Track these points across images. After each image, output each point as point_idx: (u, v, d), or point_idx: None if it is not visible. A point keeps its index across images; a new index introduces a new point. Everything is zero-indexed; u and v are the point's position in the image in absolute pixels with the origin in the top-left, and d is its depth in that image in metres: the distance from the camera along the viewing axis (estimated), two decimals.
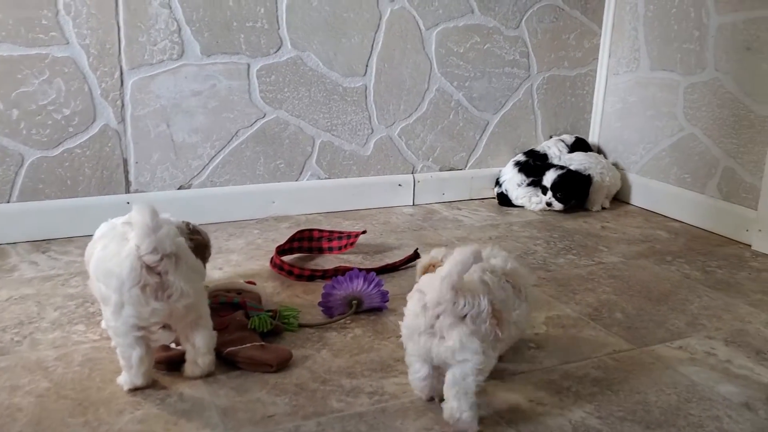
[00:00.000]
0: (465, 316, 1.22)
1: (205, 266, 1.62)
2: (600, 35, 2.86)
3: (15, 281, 1.85)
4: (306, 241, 2.11)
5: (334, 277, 1.73)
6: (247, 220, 2.40)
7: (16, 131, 2.07)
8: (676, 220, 2.58)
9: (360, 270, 1.83)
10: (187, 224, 1.59)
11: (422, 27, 2.53)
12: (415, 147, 2.64)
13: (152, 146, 2.24)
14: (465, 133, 2.71)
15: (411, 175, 2.65)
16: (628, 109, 2.80)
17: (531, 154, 2.73)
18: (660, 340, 1.64)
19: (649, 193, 2.71)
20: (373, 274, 1.73)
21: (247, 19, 2.27)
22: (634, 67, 2.76)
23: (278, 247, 2.01)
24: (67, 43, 2.07)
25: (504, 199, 2.69)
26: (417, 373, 1.31)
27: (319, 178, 2.51)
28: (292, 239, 2.07)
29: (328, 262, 2.06)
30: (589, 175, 2.63)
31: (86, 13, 2.07)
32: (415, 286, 1.31)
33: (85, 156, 2.17)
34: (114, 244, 1.38)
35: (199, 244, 1.57)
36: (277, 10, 2.30)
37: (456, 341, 1.21)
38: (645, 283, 1.97)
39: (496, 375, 1.44)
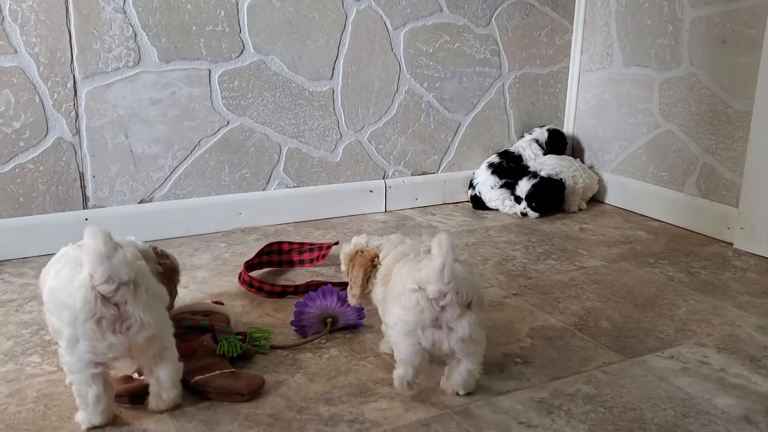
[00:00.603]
0: (469, 304, 1.28)
1: (175, 291, 1.52)
2: (571, 31, 2.80)
3: None
4: (275, 255, 2.01)
5: (306, 294, 1.63)
6: (213, 233, 2.29)
7: None
8: (655, 219, 2.53)
9: (332, 285, 1.76)
10: (155, 248, 1.48)
11: (390, 27, 2.44)
12: (385, 151, 2.55)
13: (110, 159, 2.12)
14: (436, 136, 2.63)
15: (382, 180, 2.56)
16: (602, 106, 2.75)
17: (505, 155, 2.66)
18: (650, 349, 1.57)
19: (626, 192, 2.66)
20: (345, 291, 1.64)
21: (206, 22, 2.16)
22: (607, 64, 2.71)
23: (246, 263, 1.91)
24: (15, 51, 1.94)
25: (478, 202, 2.62)
26: (412, 364, 1.30)
27: (287, 187, 2.41)
28: (260, 253, 1.97)
29: (299, 276, 1.97)
30: (561, 179, 2.56)
31: (34, 20, 1.94)
32: (405, 282, 1.31)
33: (39, 171, 2.04)
34: (66, 271, 1.27)
35: (168, 268, 1.47)
36: (238, 13, 2.19)
37: (466, 331, 1.27)
38: (629, 288, 1.91)
39: (483, 395, 1.37)
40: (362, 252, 1.52)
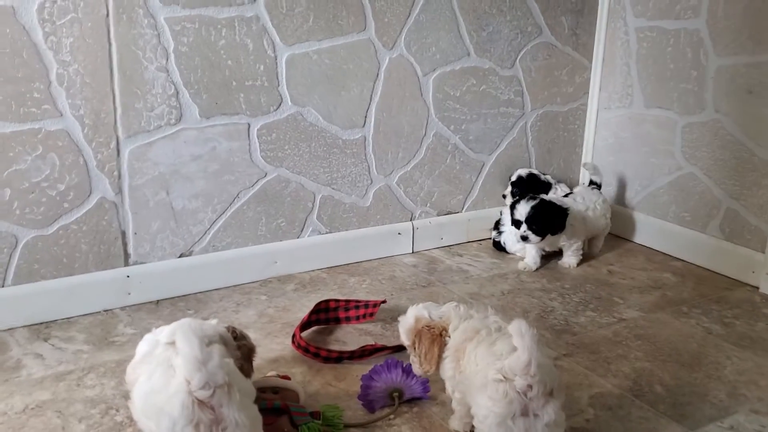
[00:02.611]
0: (552, 391, 1.33)
1: (252, 371, 1.53)
2: (590, 69, 2.85)
3: (25, 383, 1.71)
4: (323, 313, 2.03)
5: (372, 369, 1.66)
6: (250, 283, 2.30)
7: (9, 212, 1.91)
8: (678, 259, 2.60)
9: (387, 348, 1.80)
10: (233, 330, 1.49)
11: (419, 73, 2.46)
12: (413, 194, 2.58)
13: (151, 215, 2.11)
14: (461, 176, 2.67)
15: (410, 222, 2.59)
16: (621, 144, 2.81)
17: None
18: (709, 418, 1.63)
19: (647, 230, 2.73)
20: (410, 363, 1.67)
21: (246, 77, 2.15)
22: (627, 103, 2.76)
23: (300, 324, 1.92)
24: (61, 115, 1.92)
25: (500, 247, 2.64)
26: None
27: (320, 233, 2.42)
28: (311, 312, 1.99)
29: (347, 335, 1.99)
30: (565, 207, 2.44)
31: (80, 83, 1.92)
32: (484, 369, 1.36)
33: (82, 231, 2.02)
34: (159, 374, 1.28)
35: (246, 349, 1.48)
36: (276, 67, 2.19)
37: (552, 418, 1.32)
38: (672, 344, 1.97)
39: None
40: (430, 327, 1.54)
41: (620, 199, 2.83)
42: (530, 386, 1.31)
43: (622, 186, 2.82)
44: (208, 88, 2.10)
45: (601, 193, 2.64)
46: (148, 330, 1.92)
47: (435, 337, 1.53)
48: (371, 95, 2.38)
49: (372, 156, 2.45)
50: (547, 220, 2.38)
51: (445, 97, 2.54)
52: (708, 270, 2.50)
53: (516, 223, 2.40)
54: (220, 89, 2.12)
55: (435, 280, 2.37)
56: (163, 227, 2.14)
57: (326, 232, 2.43)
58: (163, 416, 1.21)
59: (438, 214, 2.65)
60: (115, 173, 2.03)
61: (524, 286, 2.34)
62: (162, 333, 1.38)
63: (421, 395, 1.66)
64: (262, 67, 2.17)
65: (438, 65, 2.49)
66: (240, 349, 1.46)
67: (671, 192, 2.64)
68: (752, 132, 2.34)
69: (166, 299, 2.17)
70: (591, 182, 2.70)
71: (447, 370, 1.52)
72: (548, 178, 2.71)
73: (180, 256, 2.19)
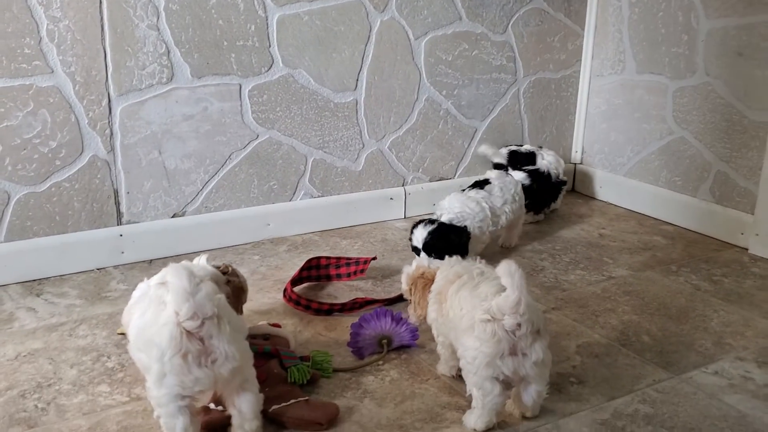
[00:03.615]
0: (538, 330, 1.35)
1: (241, 311, 1.55)
2: (583, 36, 2.85)
3: (18, 333, 1.73)
4: (314, 270, 2.04)
5: (361, 317, 1.68)
6: (243, 245, 2.31)
7: (1, 168, 1.92)
8: (669, 223, 2.62)
9: (378, 302, 1.82)
10: (227, 266, 1.51)
11: (411, 37, 2.47)
12: (405, 159, 2.59)
13: (144, 175, 2.12)
14: (453, 142, 2.68)
15: (402, 187, 2.60)
16: (614, 111, 2.82)
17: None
18: (694, 365, 1.65)
19: (639, 195, 2.74)
20: (399, 312, 1.69)
21: (237, 37, 2.16)
22: (620, 70, 2.77)
23: (291, 279, 1.94)
24: (52, 71, 1.92)
25: None
26: (494, 394, 1.36)
27: (312, 197, 2.43)
28: (302, 269, 2.00)
29: (339, 290, 2.01)
30: (464, 227, 2.08)
31: (71, 39, 1.93)
32: (468, 310, 1.38)
33: (74, 189, 2.03)
34: (151, 310, 1.30)
35: (235, 287, 1.50)
36: (267, 27, 2.19)
37: (539, 356, 1.34)
38: (660, 299, 1.99)
39: (549, 418, 1.43)
40: (424, 275, 1.57)
41: (613, 166, 2.84)
42: (519, 325, 1.32)
43: (614, 153, 2.83)
44: (200, 47, 2.11)
45: (517, 181, 2.35)
46: None
47: (427, 282, 1.56)
48: (363, 58, 2.39)
49: (364, 120, 2.45)
50: (446, 246, 1.99)
51: (437, 61, 2.54)
52: (698, 233, 2.52)
53: (414, 250, 2.07)
54: (211, 49, 2.13)
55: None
56: (156, 187, 2.15)
57: (318, 196, 2.44)
58: (153, 347, 1.22)
59: (430, 180, 2.66)
60: (107, 131, 2.04)
61: (516, 247, 2.36)
62: (153, 279, 1.40)
63: (409, 342, 1.68)
64: (253, 28, 2.17)
65: (430, 29, 2.49)
66: (230, 284, 1.48)
67: (662, 157, 2.65)
68: (742, 94, 2.35)
69: (158, 259, 2.18)
70: (496, 165, 2.61)
71: (430, 313, 1.54)
72: (528, 147, 2.69)
73: (173, 216, 2.20)
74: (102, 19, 1.96)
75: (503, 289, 1.36)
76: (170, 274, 1.26)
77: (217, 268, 1.50)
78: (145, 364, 1.27)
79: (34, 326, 1.77)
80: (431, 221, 2.06)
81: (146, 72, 2.05)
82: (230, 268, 1.53)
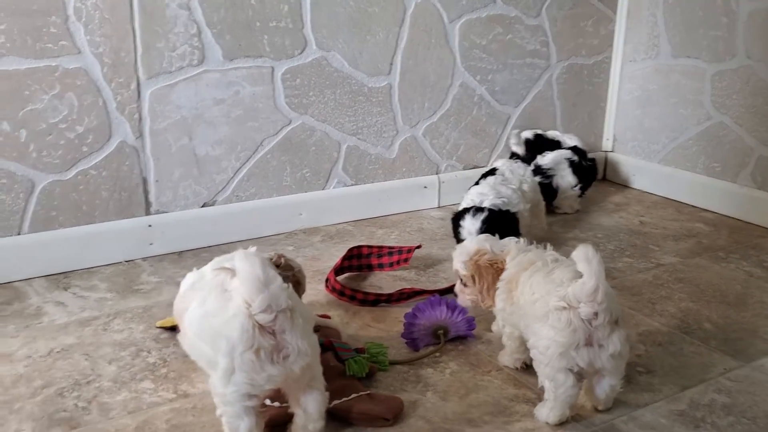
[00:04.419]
0: (617, 320, 1.25)
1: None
2: (615, 21, 2.77)
3: (48, 329, 1.64)
4: (355, 259, 1.96)
5: (415, 306, 1.59)
6: (276, 235, 2.23)
7: (25, 154, 1.83)
8: (708, 211, 2.54)
9: (428, 292, 1.74)
10: (279, 257, 1.42)
11: (446, 20, 2.38)
12: (439, 146, 2.50)
13: (173, 162, 2.03)
14: (487, 129, 2.60)
15: (436, 176, 2.52)
16: (648, 97, 2.74)
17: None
18: (763, 352, 1.57)
19: (675, 182, 2.66)
20: (454, 300, 1.60)
21: (270, 18, 2.07)
22: (654, 54, 2.69)
23: (334, 269, 1.85)
24: (79, 52, 1.83)
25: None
26: (567, 386, 1.27)
27: (345, 185, 2.35)
28: (343, 258, 1.91)
29: (382, 281, 1.92)
30: (509, 210, 1.98)
31: (99, 18, 1.84)
32: (542, 297, 1.30)
33: (101, 177, 1.94)
34: (213, 298, 1.21)
35: (293, 281, 1.40)
36: (301, 8, 2.11)
37: (617, 348, 1.26)
38: (715, 286, 1.91)
39: (623, 410, 1.36)
40: (493, 262, 1.47)
41: (647, 153, 2.77)
42: (596, 314, 1.24)
43: (648, 140, 2.76)
44: (232, 28, 2.02)
45: (526, 166, 2.26)
46: (173, 279, 1.88)
47: (498, 271, 1.46)
48: (397, 41, 2.31)
49: (398, 105, 2.37)
50: (502, 233, 1.74)
51: (472, 45, 2.46)
52: (740, 220, 2.44)
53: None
54: (243, 30, 2.04)
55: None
56: (186, 175, 2.06)
57: (352, 184, 2.36)
58: (221, 340, 1.12)
59: (464, 168, 2.58)
60: (136, 116, 1.95)
61: (557, 236, 2.28)
62: (206, 267, 1.30)
63: (466, 333, 1.60)
64: (286, 8, 2.09)
65: (464, 11, 2.41)
66: (286, 278, 1.38)
67: (700, 143, 2.58)
68: None
69: (188, 250, 2.09)
70: (513, 154, 2.56)
71: (498, 302, 1.45)
72: (555, 134, 2.64)
73: (203, 206, 2.12)
74: None
75: (579, 275, 1.28)
76: (241, 260, 1.14)
77: (270, 260, 1.40)
78: (209, 358, 1.18)
79: (65, 321, 1.68)
80: (478, 209, 1.94)
81: (176, 54, 1.96)
82: (283, 260, 1.44)
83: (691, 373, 1.49)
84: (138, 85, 1.93)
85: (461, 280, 1.54)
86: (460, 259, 1.52)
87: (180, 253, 2.08)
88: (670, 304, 1.80)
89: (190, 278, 1.33)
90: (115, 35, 1.87)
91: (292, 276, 1.43)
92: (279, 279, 1.14)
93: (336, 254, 2.06)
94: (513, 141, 2.59)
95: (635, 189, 2.80)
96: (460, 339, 1.60)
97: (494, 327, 1.61)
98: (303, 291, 1.49)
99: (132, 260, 2.02)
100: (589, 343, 1.26)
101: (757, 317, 1.74)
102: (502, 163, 2.16)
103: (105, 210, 1.97)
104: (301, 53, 2.15)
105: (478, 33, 2.46)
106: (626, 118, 2.84)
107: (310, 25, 2.14)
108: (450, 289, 1.79)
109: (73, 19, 1.80)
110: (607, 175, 2.92)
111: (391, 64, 2.32)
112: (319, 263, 2.02)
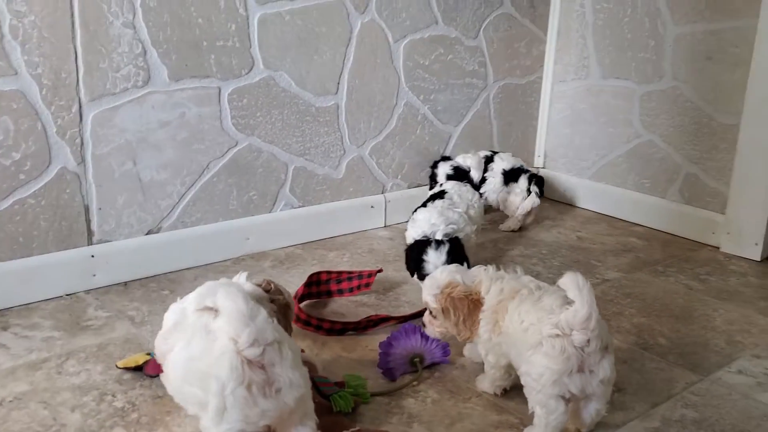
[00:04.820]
0: (606, 346, 1.29)
1: (291, 331, 1.41)
2: (545, 42, 2.87)
3: None
4: (314, 286, 1.92)
5: (390, 335, 1.58)
6: (222, 262, 2.15)
7: None
8: (639, 225, 2.66)
9: (393, 318, 1.75)
10: (269, 283, 1.38)
11: (391, 40, 2.39)
12: (385, 165, 2.50)
13: (117, 188, 1.93)
14: (430, 148, 2.62)
15: (382, 195, 2.51)
16: (578, 116, 2.84)
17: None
18: (717, 365, 1.66)
19: (606, 197, 2.78)
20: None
21: (217, 37, 2.00)
22: (584, 75, 2.80)
23: (295, 297, 1.81)
24: (16, 73, 1.70)
25: None
26: (559, 412, 1.29)
27: (292, 207, 2.30)
28: (304, 285, 1.87)
29: (344, 307, 1.89)
30: (457, 237, 1.97)
31: (37, 37, 1.71)
32: (533, 325, 1.31)
33: (40, 206, 1.81)
34: (198, 339, 1.16)
35: (281, 305, 1.36)
36: (248, 27, 2.05)
37: (607, 373, 1.29)
38: (660, 300, 2.01)
39: (603, 431, 1.39)
40: (468, 293, 1.47)
41: (578, 170, 2.87)
42: (589, 341, 1.27)
43: (578, 157, 2.86)
44: (178, 47, 1.94)
45: (474, 191, 2.25)
46: (124, 312, 1.79)
47: (476, 304, 1.46)
48: (344, 61, 2.29)
49: (345, 125, 2.35)
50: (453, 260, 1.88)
51: (415, 65, 2.47)
52: (669, 234, 2.57)
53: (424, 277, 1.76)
54: (190, 49, 1.96)
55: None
56: (130, 201, 1.96)
57: (299, 206, 2.31)
58: (210, 380, 1.10)
59: (409, 187, 2.59)
60: (78, 141, 1.83)
61: (505, 254, 2.32)
62: (188, 300, 1.24)
63: (441, 359, 1.60)
64: (233, 27, 2.02)
65: (408, 32, 2.42)
66: (274, 302, 1.34)
67: (630, 160, 2.70)
68: (711, 98, 2.42)
69: (135, 280, 1.98)
70: (449, 176, 2.49)
71: (482, 333, 1.46)
72: (467, 160, 2.55)
73: (148, 233, 2.01)
74: (73, 14, 1.75)
75: (568, 301, 1.31)
76: (223, 296, 1.14)
77: (258, 285, 1.36)
78: (199, 399, 1.13)
79: (11, 365, 1.55)
80: (438, 242, 1.90)
81: (120, 75, 1.86)
82: (272, 285, 1.39)
83: (657, 390, 1.55)
84: (80, 107, 1.82)
85: (430, 312, 1.54)
86: (430, 291, 1.52)
87: (126, 283, 1.97)
88: (624, 320, 1.87)
89: (172, 315, 1.26)
90: (55, 55, 1.75)
91: (282, 300, 1.39)
92: (263, 312, 1.14)
93: (289, 280, 2.02)
94: (471, 162, 2.57)
95: (567, 204, 2.90)
96: (435, 365, 1.60)
97: (466, 351, 1.63)
98: (292, 315, 1.45)
99: (74, 293, 1.89)
100: (581, 369, 1.28)
101: (705, 330, 1.84)
102: (451, 186, 2.18)
103: (44, 241, 1.84)
104: (248, 73, 2.09)
105: (421, 53, 2.48)
106: (557, 136, 2.93)
107: (258, 44, 2.08)
108: (416, 315, 1.79)
109: (8, 38, 1.67)
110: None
111: (338, 83, 2.30)
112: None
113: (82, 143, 1.84)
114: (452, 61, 2.57)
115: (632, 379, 1.58)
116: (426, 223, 1.95)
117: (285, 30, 2.13)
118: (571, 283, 1.28)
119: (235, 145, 2.12)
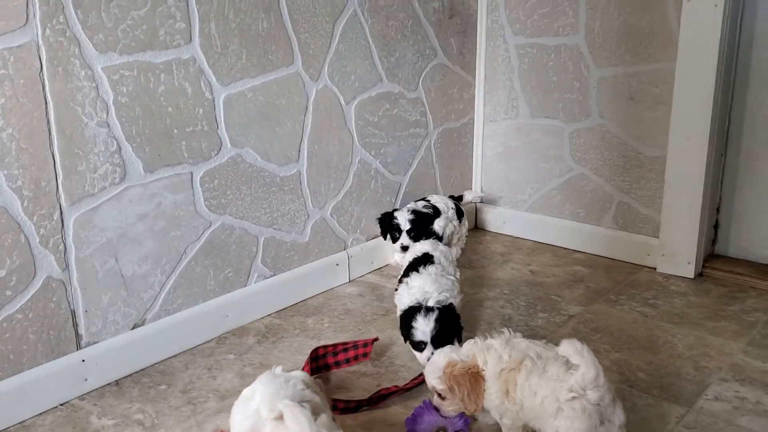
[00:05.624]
0: (613, 395, 1.45)
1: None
2: (474, 85, 3.02)
3: None
4: (314, 362, 1.96)
5: (414, 411, 1.66)
6: (205, 344, 2.14)
7: None
8: (579, 251, 2.87)
9: (398, 388, 1.82)
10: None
11: (343, 102, 2.45)
12: (345, 223, 2.56)
13: (101, 288, 1.88)
14: (383, 199, 2.70)
15: (344, 251, 2.58)
16: (510, 153, 3.02)
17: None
18: (695, 393, 1.86)
19: (544, 227, 2.97)
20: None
21: (187, 123, 1.99)
22: (513, 115, 2.98)
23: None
24: None
25: None
26: None
27: (265, 278, 2.32)
28: (310, 360, 1.92)
29: (346, 379, 1.95)
30: (451, 304, 2.02)
31: (15, 149, 1.65)
32: (547, 394, 1.45)
33: (28, 319, 1.74)
34: None
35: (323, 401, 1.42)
36: (215, 109, 2.06)
37: (622, 418, 1.45)
38: (624, 332, 2.19)
39: None
40: (469, 368, 1.59)
41: (514, 203, 3.05)
42: (602, 396, 1.41)
43: (514, 191, 3.04)
44: (150, 139, 1.91)
45: (448, 248, 2.37)
46: (128, 417, 1.76)
47: (477, 377, 1.58)
48: (303, 128, 2.33)
49: (307, 190, 2.39)
50: (450, 332, 1.96)
51: (366, 123, 2.55)
52: (608, 258, 2.80)
53: (416, 344, 1.95)
54: (162, 139, 1.94)
55: (390, 307, 2.36)
56: (114, 298, 1.92)
57: (271, 275, 2.33)
58: None
59: (367, 239, 2.66)
60: (61, 247, 1.78)
61: (471, 298, 2.44)
62: (256, 399, 1.31)
63: (462, 428, 1.69)
64: (201, 111, 2.02)
65: (357, 93, 2.49)
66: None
67: (564, 192, 2.91)
68: (636, 133, 2.66)
69: (126, 377, 1.94)
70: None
71: (493, 399, 1.57)
72: (428, 204, 2.65)
73: (133, 328, 1.98)
74: (49, 121, 1.70)
75: (571, 366, 1.45)
76: (290, 418, 1.22)
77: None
78: None
79: None
80: (428, 309, 1.95)
81: (98, 174, 1.82)
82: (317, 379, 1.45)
83: (653, 427, 1.72)
84: (61, 213, 1.76)
85: (439, 394, 1.64)
86: (433, 375, 1.64)
87: (118, 381, 1.93)
88: (602, 358, 2.03)
89: (245, 420, 1.31)
90: (34, 164, 1.69)
91: (322, 396, 1.45)
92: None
93: (279, 356, 2.06)
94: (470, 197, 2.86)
95: (508, 235, 3.07)
96: None
97: (479, 416, 1.73)
98: None
99: (68, 402, 1.83)
100: (602, 422, 1.43)
101: (672, 358, 2.04)
102: (433, 248, 2.24)
103: (34, 354, 1.77)
104: (217, 154, 2.09)
105: (370, 111, 2.56)
106: (492, 172, 3.10)
107: (224, 124, 2.09)
108: (421, 382, 1.88)
109: None
110: (479, 224, 3.16)
111: (299, 151, 2.34)
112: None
113: (65, 249, 1.79)
114: (397, 114, 2.67)
115: (630, 420, 1.72)
116: (421, 293, 2.02)
117: (248, 107, 2.14)
118: (571, 350, 1.42)
119: (209, 226, 2.12)
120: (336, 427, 1.32)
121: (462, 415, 1.69)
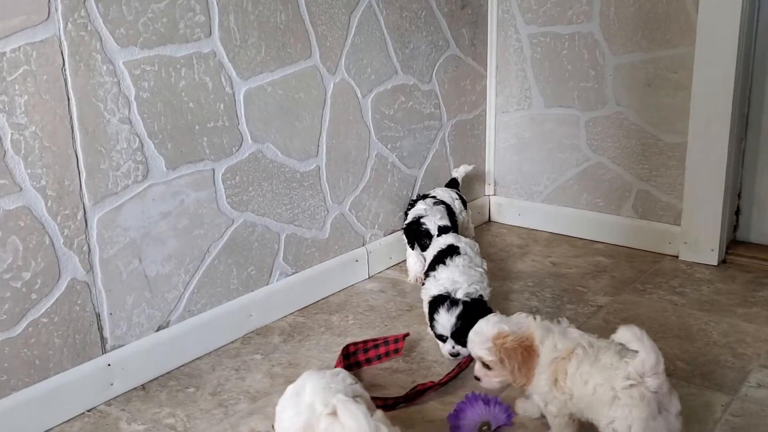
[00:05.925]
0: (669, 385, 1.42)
1: None
2: (486, 76, 2.98)
3: None
4: (345, 359, 1.91)
5: (456, 407, 1.63)
6: (230, 344, 2.09)
7: None
8: (598, 242, 2.84)
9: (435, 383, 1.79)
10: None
11: (359, 95, 2.40)
12: (363, 218, 2.52)
13: (125, 289, 1.82)
14: (400, 193, 2.66)
15: (363, 247, 2.53)
16: (524, 144, 2.98)
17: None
18: (738, 381, 1.83)
19: (561, 218, 2.93)
20: (486, 394, 1.65)
21: (208, 119, 1.94)
22: (526, 105, 2.94)
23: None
24: (20, 189, 1.58)
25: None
26: None
27: (287, 275, 2.27)
28: (343, 358, 1.88)
29: (378, 376, 1.90)
30: (481, 297, 1.97)
31: (39, 148, 1.59)
32: (602, 383, 1.41)
33: (53, 323, 1.69)
34: None
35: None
36: (235, 104, 2.00)
37: (678, 406, 1.42)
38: (655, 321, 2.16)
39: None
40: (523, 340, 1.54)
41: (529, 194, 3.02)
42: (661, 384, 1.38)
43: (528, 182, 3.00)
44: (173, 135, 1.86)
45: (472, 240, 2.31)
46: (159, 422, 1.71)
47: (530, 351, 1.53)
48: (321, 122, 2.28)
49: (326, 185, 2.34)
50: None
51: (382, 116, 2.50)
52: (628, 247, 2.77)
53: (439, 338, 1.94)
54: (183, 135, 1.89)
55: (413, 302, 2.32)
56: (139, 300, 1.86)
57: (293, 273, 2.28)
58: None
59: (385, 235, 2.62)
60: (85, 248, 1.72)
61: (496, 291, 2.37)
62: (307, 394, 1.28)
63: (505, 422, 1.65)
64: (222, 106, 1.97)
65: (374, 86, 2.45)
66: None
67: (581, 182, 2.87)
68: (655, 120, 2.63)
69: (152, 380, 1.89)
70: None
71: (542, 386, 1.53)
72: (437, 200, 2.51)
73: (158, 330, 1.92)
74: (72, 118, 1.64)
75: (623, 353, 1.41)
76: (345, 414, 1.19)
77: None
78: None
79: None
80: (453, 302, 1.90)
81: (121, 172, 1.76)
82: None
83: (701, 417, 1.69)
84: (84, 213, 1.70)
85: (484, 364, 1.59)
86: (482, 346, 1.58)
87: (144, 385, 1.87)
88: None
89: (297, 417, 1.28)
90: (58, 163, 1.63)
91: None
92: (383, 429, 1.16)
93: (307, 354, 2.02)
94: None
95: (523, 227, 3.03)
96: (499, 429, 1.65)
97: (520, 410, 1.69)
98: None
99: (94, 408, 1.77)
100: (660, 410, 1.39)
101: (708, 346, 2.01)
102: (456, 240, 2.20)
103: (60, 359, 1.71)
104: (238, 150, 2.04)
105: (386, 104, 2.51)
106: (505, 164, 3.06)
107: (245, 119, 2.04)
108: (456, 375, 1.84)
109: (11, 153, 1.54)
110: (492, 217, 3.12)
111: (318, 145, 2.29)
112: (300, 369, 1.90)
113: (89, 250, 1.73)
114: (412, 107, 2.63)
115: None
116: (450, 283, 1.97)
117: (268, 101, 2.09)
118: (629, 335, 1.39)
119: (232, 223, 2.06)
120: (391, 423, 1.28)
121: (506, 409, 1.65)
